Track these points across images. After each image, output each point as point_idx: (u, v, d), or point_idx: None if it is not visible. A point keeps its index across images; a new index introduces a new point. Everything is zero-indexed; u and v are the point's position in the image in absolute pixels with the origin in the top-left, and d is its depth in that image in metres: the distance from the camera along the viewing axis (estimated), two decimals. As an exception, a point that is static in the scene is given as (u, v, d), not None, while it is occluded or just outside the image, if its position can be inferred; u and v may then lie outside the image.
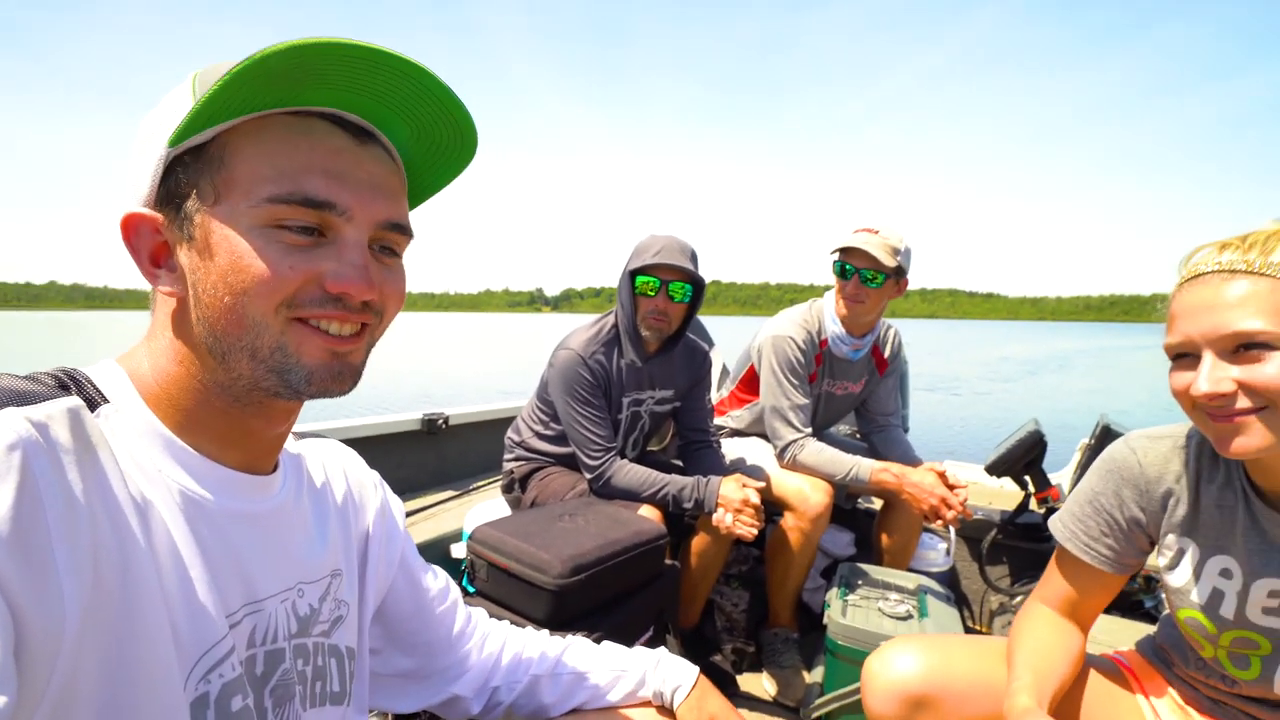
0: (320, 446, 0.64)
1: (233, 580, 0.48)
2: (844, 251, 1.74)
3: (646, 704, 0.76)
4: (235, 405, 0.48)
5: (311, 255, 0.44)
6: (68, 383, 0.44)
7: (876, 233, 1.72)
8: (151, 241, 0.46)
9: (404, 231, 0.49)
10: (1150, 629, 1.07)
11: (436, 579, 0.73)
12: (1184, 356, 0.71)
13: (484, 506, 1.89)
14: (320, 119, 0.45)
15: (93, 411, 0.43)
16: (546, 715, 0.74)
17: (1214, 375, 0.66)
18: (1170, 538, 0.82)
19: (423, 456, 2.44)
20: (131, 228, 0.45)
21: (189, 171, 0.43)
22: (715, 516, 1.51)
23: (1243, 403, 0.65)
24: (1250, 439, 0.66)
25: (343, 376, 0.48)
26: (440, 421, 2.44)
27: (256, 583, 0.50)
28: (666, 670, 0.76)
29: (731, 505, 1.50)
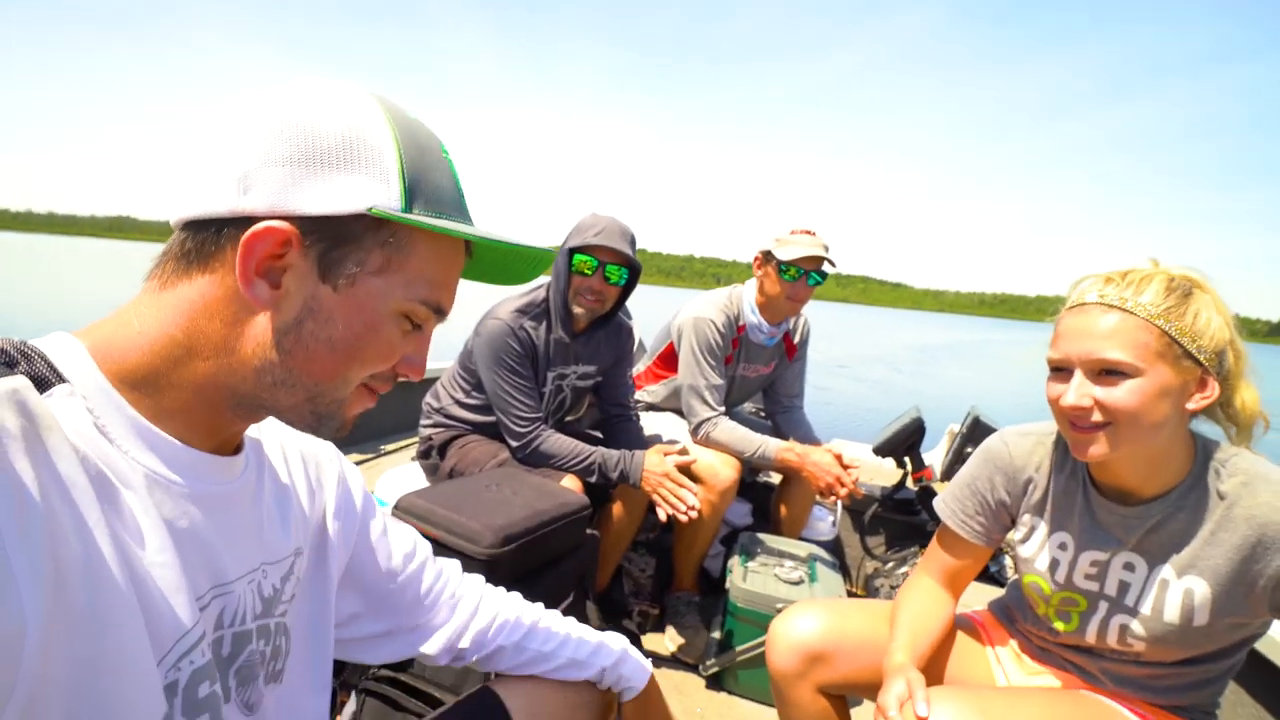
0: (277, 423, 0.62)
1: (201, 563, 0.47)
2: (800, 259, 1.80)
3: (592, 685, 0.79)
4: (231, 407, 0.48)
5: (406, 342, 0.51)
6: (16, 358, 0.40)
7: (813, 234, 1.83)
8: (271, 252, 0.43)
9: None
10: (997, 591, 1.27)
11: (403, 542, 0.73)
12: (1060, 370, 0.84)
13: (396, 472, 1.85)
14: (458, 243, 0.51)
15: (43, 391, 0.40)
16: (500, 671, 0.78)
17: (1079, 391, 0.80)
18: (1026, 516, 0.98)
19: None
20: (272, 238, 0.43)
21: (372, 234, 0.45)
22: (663, 510, 1.57)
23: (1096, 417, 0.79)
24: (1098, 447, 0.80)
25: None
26: None
27: (224, 564, 0.49)
28: (625, 670, 0.81)
29: (655, 477, 1.58)
